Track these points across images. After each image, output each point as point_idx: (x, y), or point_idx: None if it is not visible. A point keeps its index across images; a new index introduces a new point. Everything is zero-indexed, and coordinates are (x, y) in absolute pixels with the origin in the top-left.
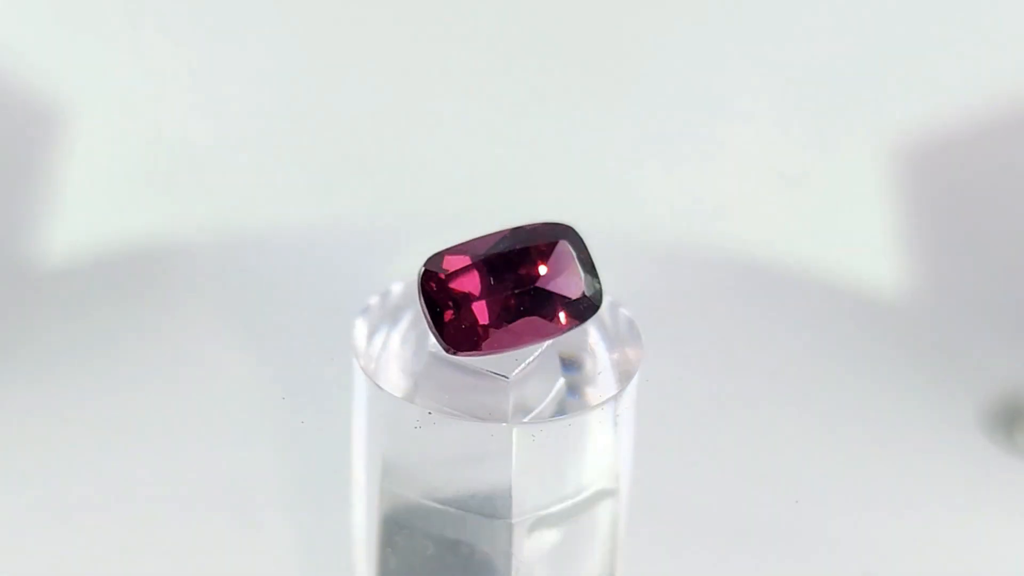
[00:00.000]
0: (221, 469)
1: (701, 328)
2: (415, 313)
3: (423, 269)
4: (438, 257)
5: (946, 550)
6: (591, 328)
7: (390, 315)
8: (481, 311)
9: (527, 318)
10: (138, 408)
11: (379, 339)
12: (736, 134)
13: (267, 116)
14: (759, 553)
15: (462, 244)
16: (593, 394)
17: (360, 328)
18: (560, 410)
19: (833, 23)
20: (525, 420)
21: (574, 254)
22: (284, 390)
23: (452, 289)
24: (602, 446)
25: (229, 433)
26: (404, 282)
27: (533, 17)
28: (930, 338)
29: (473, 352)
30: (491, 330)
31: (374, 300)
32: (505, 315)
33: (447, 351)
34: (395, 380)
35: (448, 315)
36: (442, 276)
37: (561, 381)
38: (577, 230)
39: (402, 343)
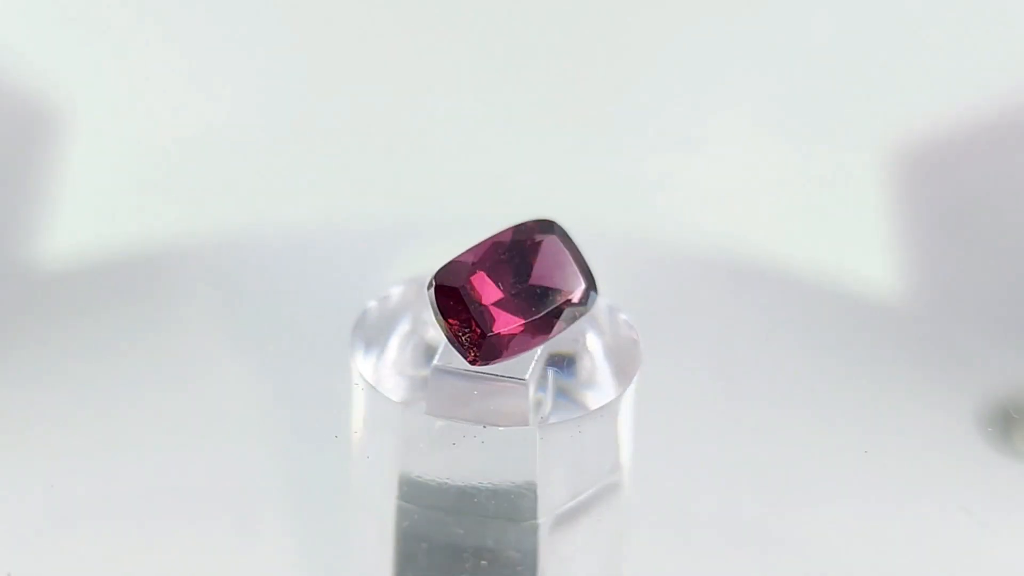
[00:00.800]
0: (220, 476)
1: (699, 330)
2: (414, 317)
3: (434, 284)
4: (446, 271)
5: (943, 552)
6: (589, 330)
7: (389, 319)
8: (499, 319)
9: (536, 318)
10: (135, 413)
11: (378, 344)
12: (735, 134)
13: (266, 119)
14: (758, 553)
15: (463, 254)
16: (593, 396)
17: (358, 333)
18: (556, 408)
19: (832, 22)
20: (539, 422)
21: (564, 247)
22: (281, 394)
23: (467, 301)
24: (605, 443)
25: (227, 439)
26: (402, 285)
27: (530, 17)
28: (928, 340)
29: (496, 360)
30: (511, 336)
31: (372, 304)
32: (518, 318)
33: (473, 363)
34: (395, 386)
35: (469, 328)
36: (456, 289)
37: (551, 378)
38: (559, 223)
39: (401, 348)
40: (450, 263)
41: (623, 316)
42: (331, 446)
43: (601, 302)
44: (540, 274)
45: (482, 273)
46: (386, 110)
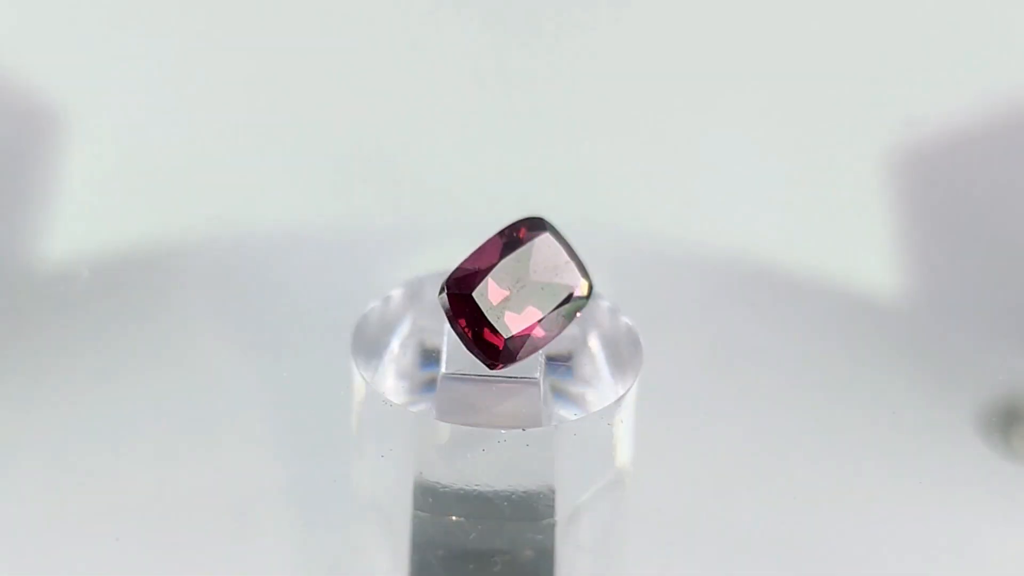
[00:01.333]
0: (221, 480)
1: (700, 332)
2: (414, 319)
3: (448, 292)
4: (455, 279)
5: (943, 553)
6: (590, 331)
7: (390, 321)
8: (513, 321)
9: (545, 316)
10: (135, 414)
11: (378, 346)
12: (735, 135)
13: (268, 120)
14: (759, 555)
15: (466, 260)
16: (595, 397)
17: (359, 335)
18: (558, 408)
19: (832, 23)
20: (554, 421)
21: (558, 243)
22: (282, 395)
23: (484, 307)
24: (607, 444)
25: (226, 441)
26: (404, 287)
27: (529, 17)
28: (928, 342)
29: (513, 362)
30: (525, 336)
31: (374, 305)
32: (530, 318)
33: (493, 367)
34: (395, 387)
35: (487, 334)
36: (470, 296)
37: (552, 378)
38: (548, 220)
39: (402, 349)
40: (457, 270)
41: (624, 318)
42: (333, 449)
43: (602, 303)
44: (541, 272)
45: (489, 278)
46: (385, 112)
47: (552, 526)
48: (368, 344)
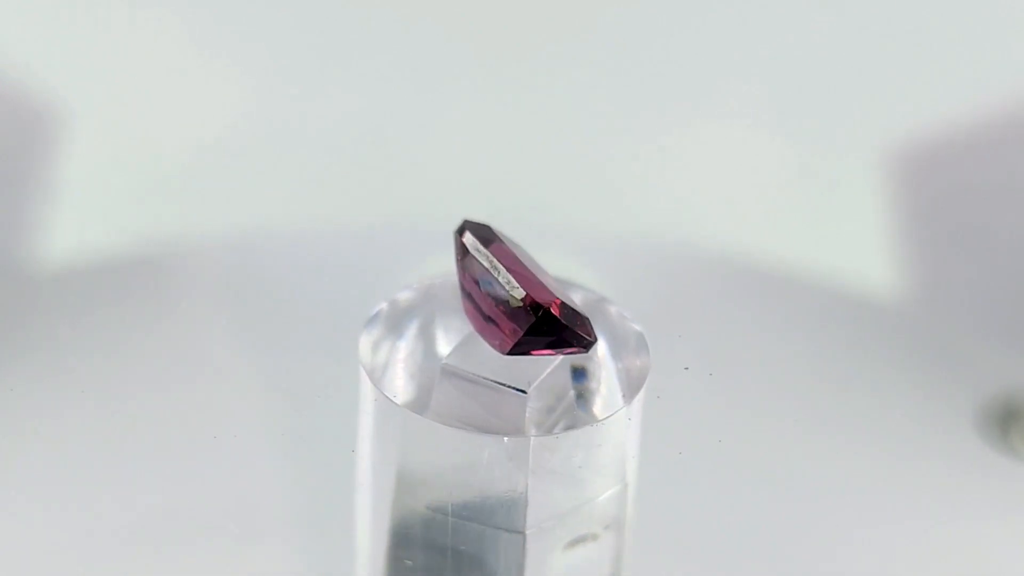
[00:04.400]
0: (223, 478)
1: (701, 335)
2: (422, 321)
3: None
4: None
5: (942, 552)
6: (599, 338)
7: (398, 323)
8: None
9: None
10: (139, 415)
11: (387, 348)
12: (735, 135)
13: (272, 119)
14: (761, 555)
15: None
16: (602, 405)
17: (367, 336)
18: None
19: (831, 23)
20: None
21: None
22: (289, 398)
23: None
24: (614, 451)
25: (232, 440)
26: (412, 289)
27: (531, 18)
28: (927, 341)
29: None
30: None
31: (382, 307)
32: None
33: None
34: (403, 389)
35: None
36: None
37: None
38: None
39: (410, 351)
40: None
41: (633, 325)
42: (341, 452)
43: (610, 308)
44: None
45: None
46: (393, 113)
47: (622, 491)
48: (376, 346)
